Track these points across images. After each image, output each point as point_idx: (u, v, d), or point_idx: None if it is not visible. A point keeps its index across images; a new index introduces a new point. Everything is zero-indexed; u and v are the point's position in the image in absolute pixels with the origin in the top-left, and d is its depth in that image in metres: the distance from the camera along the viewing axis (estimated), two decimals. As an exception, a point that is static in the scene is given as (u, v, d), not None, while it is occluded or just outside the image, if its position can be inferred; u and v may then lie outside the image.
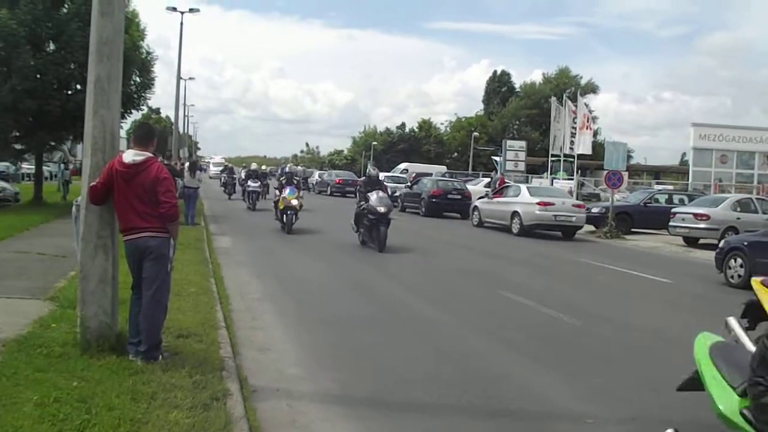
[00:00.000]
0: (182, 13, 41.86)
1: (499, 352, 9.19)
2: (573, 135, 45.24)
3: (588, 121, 45.04)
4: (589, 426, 6.68)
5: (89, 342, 7.13)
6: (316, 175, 67.80)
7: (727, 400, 4.74)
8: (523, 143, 58.65)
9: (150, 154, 7.33)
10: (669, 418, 6.87)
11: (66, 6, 24.96)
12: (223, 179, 50.78)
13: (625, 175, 32.70)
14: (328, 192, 57.06)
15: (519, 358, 8.95)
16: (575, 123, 45.18)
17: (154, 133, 7.90)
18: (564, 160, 49.66)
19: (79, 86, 24.98)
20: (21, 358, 6.81)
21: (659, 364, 9.04)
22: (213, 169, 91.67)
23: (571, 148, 45.13)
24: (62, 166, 38.24)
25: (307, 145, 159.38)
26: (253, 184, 35.31)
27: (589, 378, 8.18)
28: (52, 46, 24.73)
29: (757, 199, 28.87)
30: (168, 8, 41.34)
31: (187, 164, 28.62)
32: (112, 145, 7.35)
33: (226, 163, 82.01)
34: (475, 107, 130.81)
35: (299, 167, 64.95)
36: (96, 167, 7.23)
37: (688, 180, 54.48)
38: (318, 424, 6.29)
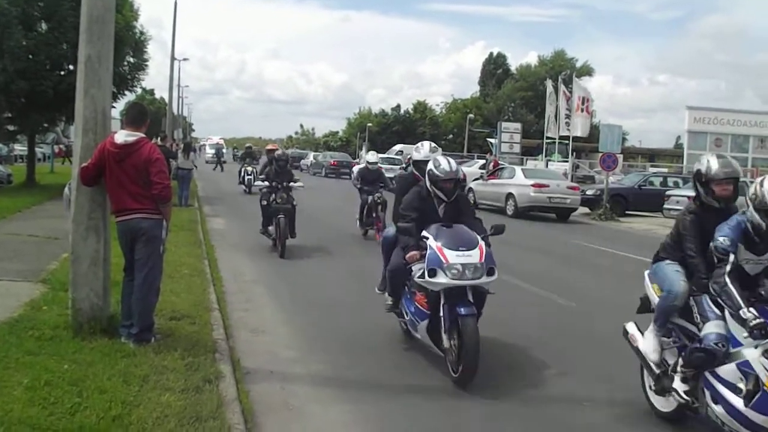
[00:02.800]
0: (176, -7, 41.67)
1: (493, 334, 9.12)
2: (568, 117, 45.13)
3: (584, 104, 44.88)
4: (585, 409, 6.67)
5: (81, 324, 7.11)
6: (311, 157, 67.69)
7: None
8: (518, 125, 58.72)
9: (142, 135, 7.27)
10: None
11: (58, -15, 24.78)
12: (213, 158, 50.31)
13: (620, 157, 32.69)
14: (323, 174, 56.94)
15: (513, 340, 8.93)
16: (569, 105, 45.06)
17: (146, 113, 7.82)
18: (559, 143, 49.58)
19: (71, 67, 24.77)
20: (12, 340, 6.78)
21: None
22: (209, 152, 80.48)
23: (568, 129, 45.02)
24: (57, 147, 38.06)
25: (302, 126, 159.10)
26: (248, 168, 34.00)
27: (584, 360, 8.17)
28: (44, 26, 24.52)
29: (750, 182, 28.81)
30: (161, -12, 41.16)
31: (181, 145, 28.53)
32: (103, 126, 7.29)
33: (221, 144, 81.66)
34: (470, 89, 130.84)
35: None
36: (87, 148, 7.17)
37: (682, 163, 54.48)
38: (311, 406, 6.29)
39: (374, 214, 18.15)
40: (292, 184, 15.57)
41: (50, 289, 9.15)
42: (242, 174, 34.81)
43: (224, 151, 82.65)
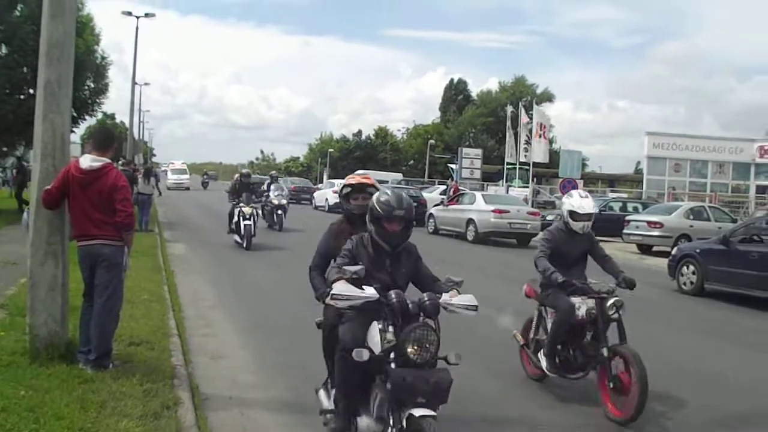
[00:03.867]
0: (138, 17, 41.49)
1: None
2: (527, 143, 45.57)
3: (542, 129, 45.36)
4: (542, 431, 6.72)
5: (38, 350, 7.05)
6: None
7: None
8: (478, 151, 59.04)
9: (107, 160, 7.26)
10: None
11: (18, 9, 24.62)
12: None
13: (580, 183, 32.97)
14: (282, 199, 56.94)
15: (473, 366, 8.94)
16: (530, 132, 45.54)
17: (113, 138, 7.84)
18: (520, 168, 49.98)
19: (31, 90, 24.57)
20: (-32, 367, 6.69)
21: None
22: (171, 177, 72.74)
23: (526, 155, 45.44)
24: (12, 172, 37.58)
25: (262, 152, 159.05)
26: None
27: (541, 385, 8.23)
28: (3, 50, 24.37)
29: (709, 207, 29.33)
30: (123, 12, 41.01)
31: (142, 170, 28.39)
32: (62, 151, 7.27)
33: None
34: (431, 115, 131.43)
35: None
36: (45, 172, 7.14)
37: (642, 188, 55.17)
38: (270, 432, 6.26)
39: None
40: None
41: (8, 315, 9.05)
42: (237, 217, 21.24)
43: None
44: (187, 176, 75.63)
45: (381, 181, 45.81)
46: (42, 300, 7.16)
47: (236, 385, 7.53)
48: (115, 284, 7.23)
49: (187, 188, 70.09)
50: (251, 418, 6.53)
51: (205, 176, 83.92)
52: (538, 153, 44.45)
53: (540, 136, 45.04)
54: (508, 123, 50.56)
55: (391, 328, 5.10)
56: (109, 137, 7.61)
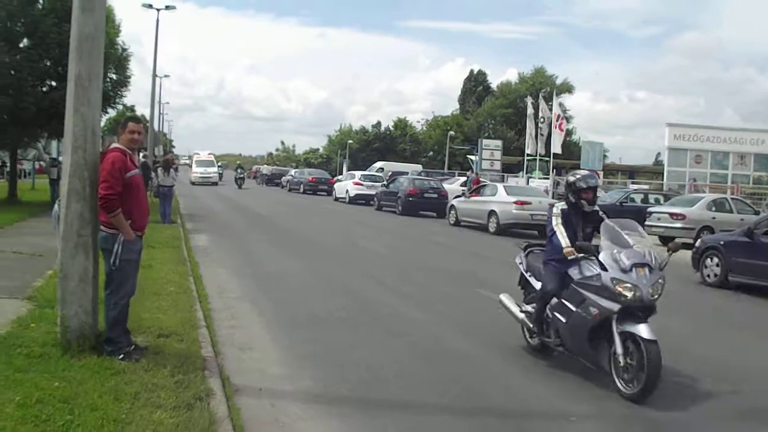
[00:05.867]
0: (158, 10, 41.53)
1: (478, 350, 9.20)
2: (542, 134, 45.51)
3: (558, 121, 45.24)
4: (572, 423, 6.71)
5: (70, 342, 7.09)
6: (293, 172, 67.76)
7: None
8: (498, 142, 59.06)
9: (114, 145, 7.30)
10: (650, 415, 6.95)
11: (41, 2, 24.76)
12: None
13: (601, 174, 32.81)
14: (301, 190, 57.28)
15: (498, 356, 8.97)
16: (549, 123, 45.44)
17: (119, 122, 7.85)
18: (540, 160, 49.86)
19: (54, 83, 24.83)
20: (1, 358, 6.77)
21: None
22: (196, 170, 65.85)
23: (545, 148, 45.39)
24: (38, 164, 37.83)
25: (283, 143, 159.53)
26: None
27: (568, 376, 8.22)
28: (26, 42, 24.51)
29: (732, 198, 29.07)
30: (144, 5, 40.95)
31: (161, 162, 28.47)
32: (93, 143, 7.28)
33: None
34: (449, 106, 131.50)
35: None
36: (76, 165, 7.16)
37: (662, 180, 54.86)
38: (301, 424, 6.29)
39: None
40: None
41: (37, 306, 9.12)
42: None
43: (220, 170, 74.83)
44: (215, 169, 68.00)
45: (401, 172, 45.96)
46: (73, 292, 7.18)
47: (265, 376, 7.55)
48: (108, 272, 7.26)
49: (215, 183, 64.36)
50: (282, 409, 6.55)
51: (239, 171, 64.65)
52: (556, 144, 44.34)
53: (555, 128, 44.94)
54: (528, 114, 50.43)
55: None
56: (117, 122, 7.69)
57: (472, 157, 64.23)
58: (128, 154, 7.30)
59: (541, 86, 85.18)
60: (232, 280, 13.52)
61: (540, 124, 47.02)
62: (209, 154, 73.61)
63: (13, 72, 23.54)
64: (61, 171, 25.37)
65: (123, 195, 7.12)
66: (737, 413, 7.41)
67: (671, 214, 26.02)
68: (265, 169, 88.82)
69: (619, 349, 7.28)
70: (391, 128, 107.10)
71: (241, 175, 63.21)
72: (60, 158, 38.67)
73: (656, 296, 7.42)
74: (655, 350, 7.07)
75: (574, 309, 7.81)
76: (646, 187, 47.85)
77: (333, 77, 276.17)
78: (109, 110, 28.81)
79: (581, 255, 7.99)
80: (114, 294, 7.27)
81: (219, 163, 79.25)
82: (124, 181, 7.14)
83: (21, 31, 24.35)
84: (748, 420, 7.30)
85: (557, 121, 45.00)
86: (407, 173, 46.44)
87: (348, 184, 45.94)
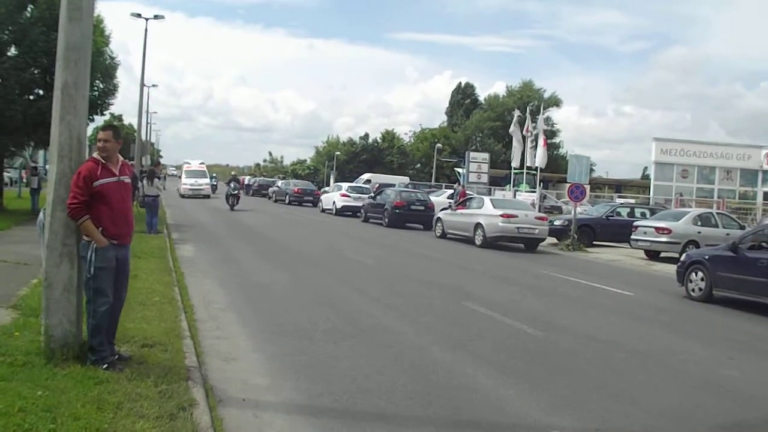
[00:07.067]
0: (147, 19, 41.50)
1: (463, 363, 9.21)
2: (533, 148, 45.66)
3: (540, 135, 45.44)
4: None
5: (53, 351, 7.07)
6: (279, 184, 67.60)
7: None
8: (486, 155, 59.05)
9: (92, 155, 7.33)
10: (630, 428, 6.99)
11: (29, 10, 24.72)
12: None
13: (588, 188, 32.95)
14: (287, 201, 57.20)
15: (484, 369, 8.99)
16: (536, 137, 45.65)
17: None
18: (526, 173, 50.01)
19: (41, 92, 24.76)
20: (-16, 366, 6.72)
21: (620, 375, 9.17)
22: (186, 182, 59.53)
23: (530, 161, 45.55)
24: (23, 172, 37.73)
25: (270, 154, 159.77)
26: None
27: (553, 389, 8.25)
28: (14, 51, 24.46)
29: (717, 213, 29.23)
30: (132, 14, 40.93)
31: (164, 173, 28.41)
32: (78, 152, 7.30)
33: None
34: (437, 118, 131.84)
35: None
36: (62, 173, 7.17)
37: (649, 194, 55.13)
38: (284, 434, 6.29)
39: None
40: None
41: (21, 315, 9.10)
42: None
43: (214, 182, 69.91)
44: (207, 180, 61.51)
45: (388, 184, 46.00)
46: (57, 301, 7.18)
47: (249, 387, 7.54)
48: (85, 280, 7.24)
49: (207, 196, 58.61)
50: (265, 420, 6.54)
51: (232, 185, 44.00)
52: (541, 158, 44.49)
53: (541, 143, 45.15)
54: (515, 128, 50.59)
55: None
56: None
57: (460, 170, 64.35)
58: (101, 164, 7.24)
59: (529, 99, 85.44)
60: (218, 291, 13.51)
61: (528, 138, 47.22)
62: (201, 163, 65.85)
63: (0, 80, 23.46)
64: (41, 180, 25.10)
65: (92, 203, 7.10)
66: (718, 429, 7.45)
67: (657, 228, 26.14)
68: (248, 179, 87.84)
69: None
70: (379, 140, 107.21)
71: (235, 191, 43.51)
72: (41, 167, 38.63)
73: None
74: None
75: None
76: (632, 201, 48.15)
77: (321, 89, 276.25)
78: (96, 118, 28.66)
79: None
80: (92, 302, 7.23)
81: (213, 174, 74.63)
82: (93, 189, 7.09)
83: (8, 39, 24.27)
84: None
85: (539, 136, 45.18)
86: (394, 185, 46.50)
87: (335, 196, 45.87)
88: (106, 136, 7.40)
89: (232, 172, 53.90)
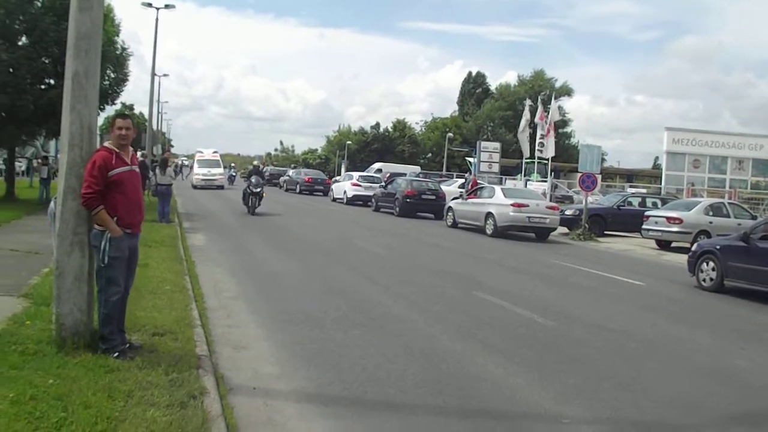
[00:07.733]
0: (158, 9, 41.51)
1: (474, 352, 9.21)
2: (543, 137, 45.50)
3: (548, 125, 45.28)
4: (564, 426, 6.73)
5: (64, 339, 7.10)
6: (290, 173, 67.62)
7: None
8: (497, 145, 58.87)
9: (103, 144, 7.35)
10: (641, 417, 6.97)
11: (39, 0, 24.76)
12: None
13: (599, 177, 32.86)
14: (297, 190, 57.23)
15: (494, 358, 8.98)
16: (544, 126, 45.49)
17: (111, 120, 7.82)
18: (538, 162, 49.87)
19: (52, 81, 24.83)
20: (-4, 355, 6.76)
21: (630, 364, 9.15)
22: (199, 171, 57.63)
23: (540, 151, 45.36)
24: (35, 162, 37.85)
25: (282, 143, 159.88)
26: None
27: (563, 378, 8.24)
28: (25, 40, 24.51)
29: (729, 203, 29.10)
30: (143, 4, 40.92)
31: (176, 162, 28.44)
32: (89, 141, 7.31)
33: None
34: (448, 107, 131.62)
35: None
36: (73, 163, 7.18)
37: (660, 183, 54.94)
38: (294, 423, 6.29)
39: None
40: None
41: (32, 304, 9.14)
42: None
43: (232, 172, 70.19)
44: (220, 170, 58.93)
45: (399, 174, 45.96)
46: (68, 290, 7.19)
47: (259, 375, 7.56)
48: (97, 269, 7.25)
49: (221, 186, 56.32)
50: (275, 408, 6.55)
51: (254, 179, 31.26)
52: (550, 148, 44.35)
53: (549, 131, 45.00)
54: (526, 117, 50.41)
55: None
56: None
57: (471, 159, 64.21)
58: (115, 153, 7.25)
59: (541, 89, 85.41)
60: (229, 279, 13.53)
61: (538, 128, 47.08)
62: (214, 152, 62.01)
63: (11, 70, 23.54)
64: (51, 170, 25.24)
65: (107, 193, 7.10)
66: (728, 419, 7.43)
67: (668, 218, 26.07)
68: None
69: None
70: (390, 129, 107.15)
71: (257, 189, 31.03)
72: (52, 156, 38.69)
73: None
74: None
75: None
76: (644, 190, 48.01)
77: (332, 78, 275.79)
78: (107, 108, 28.72)
79: None
80: (104, 291, 7.24)
81: (232, 164, 73.11)
82: (108, 179, 7.10)
83: (20, 28, 24.35)
84: (738, 426, 7.31)
85: (549, 125, 45.03)
86: (405, 174, 46.43)
87: (346, 185, 45.91)
88: (127, 124, 7.41)
89: (254, 162, 40.40)
